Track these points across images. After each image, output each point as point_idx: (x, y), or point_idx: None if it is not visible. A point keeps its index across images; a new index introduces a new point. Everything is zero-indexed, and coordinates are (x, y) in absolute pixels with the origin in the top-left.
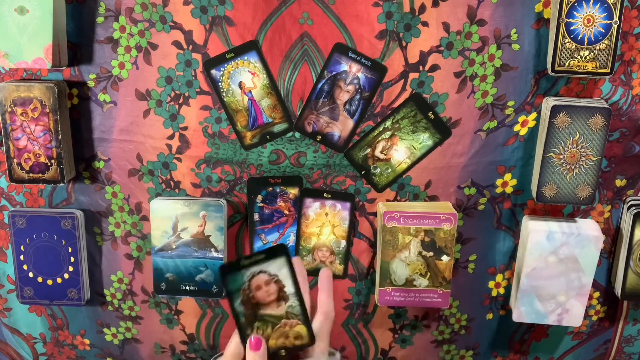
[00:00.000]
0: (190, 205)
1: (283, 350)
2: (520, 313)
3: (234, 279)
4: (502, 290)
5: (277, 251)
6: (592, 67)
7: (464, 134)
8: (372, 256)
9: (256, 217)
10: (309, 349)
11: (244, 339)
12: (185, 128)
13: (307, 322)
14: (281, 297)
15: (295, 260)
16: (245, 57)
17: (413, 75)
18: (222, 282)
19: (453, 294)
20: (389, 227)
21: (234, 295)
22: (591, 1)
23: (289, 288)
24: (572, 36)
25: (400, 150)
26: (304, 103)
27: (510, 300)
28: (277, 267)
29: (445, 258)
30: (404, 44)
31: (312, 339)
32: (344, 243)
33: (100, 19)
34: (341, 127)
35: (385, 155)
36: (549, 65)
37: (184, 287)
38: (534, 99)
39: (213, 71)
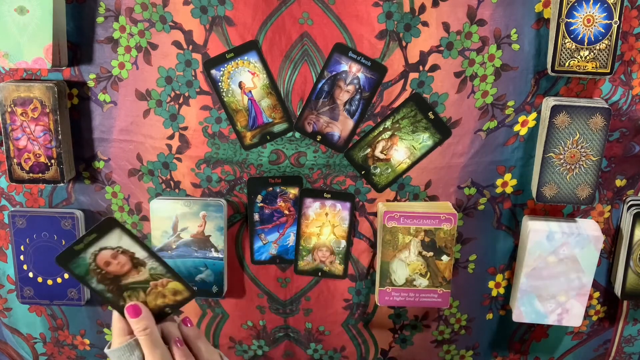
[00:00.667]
0: (190, 205)
1: (168, 308)
2: (520, 313)
3: (77, 265)
4: (502, 290)
5: (107, 226)
6: (592, 67)
7: (464, 134)
8: (372, 256)
9: (256, 217)
10: None
11: (121, 312)
12: (185, 128)
13: (177, 277)
14: (136, 263)
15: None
16: (245, 57)
17: (413, 75)
18: (67, 271)
19: (453, 294)
20: (389, 227)
21: (86, 279)
22: (591, 1)
23: (140, 253)
24: (572, 36)
25: (400, 150)
26: (304, 103)
27: (510, 300)
28: (116, 239)
29: (445, 258)
30: (404, 44)
31: (191, 291)
32: (344, 243)
33: (100, 19)
34: (341, 127)
35: (385, 155)
36: (549, 65)
37: None
38: (534, 99)
39: (213, 71)
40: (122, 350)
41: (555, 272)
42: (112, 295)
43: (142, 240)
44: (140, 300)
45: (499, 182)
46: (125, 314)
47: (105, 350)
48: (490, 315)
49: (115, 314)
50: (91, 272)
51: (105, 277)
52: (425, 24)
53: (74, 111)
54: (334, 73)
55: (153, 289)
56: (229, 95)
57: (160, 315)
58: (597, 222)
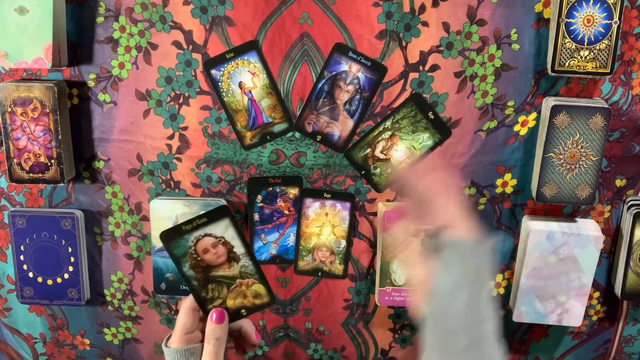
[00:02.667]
0: (190, 205)
1: (244, 310)
2: (520, 313)
3: (178, 245)
4: (502, 290)
5: (220, 213)
6: (592, 67)
7: (464, 134)
8: (372, 256)
9: (256, 217)
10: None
11: (200, 303)
12: (185, 128)
13: (264, 280)
14: (232, 257)
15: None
16: (245, 57)
17: (413, 75)
18: (166, 248)
19: None
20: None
21: (181, 261)
22: (591, 1)
23: (239, 248)
24: (572, 36)
25: (400, 150)
26: (304, 103)
27: (510, 300)
28: (222, 229)
29: None
30: (404, 44)
31: (271, 297)
32: (344, 243)
33: (100, 19)
34: (341, 127)
35: (385, 155)
36: (549, 65)
37: (184, 287)
38: (534, 99)
39: (213, 71)
40: (180, 353)
41: (555, 272)
42: (198, 284)
43: (244, 237)
44: (222, 295)
45: (499, 182)
46: (210, 316)
47: (163, 346)
48: None
49: (187, 306)
50: (188, 255)
51: (198, 264)
52: (425, 24)
53: (74, 111)
54: (334, 73)
55: (237, 287)
56: (229, 95)
57: (235, 314)
58: (597, 222)
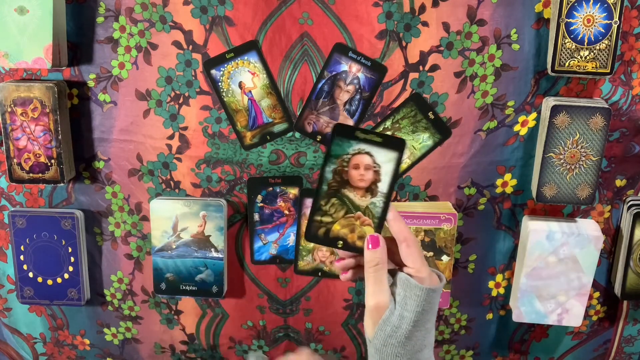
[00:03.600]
0: (190, 205)
1: (341, 242)
2: (520, 313)
3: (340, 144)
4: (502, 290)
5: (395, 144)
6: (592, 67)
7: (464, 134)
8: None
9: (256, 217)
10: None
11: (313, 207)
12: (185, 128)
13: (381, 227)
14: (371, 189)
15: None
16: (245, 57)
17: (413, 75)
18: (330, 139)
19: (453, 294)
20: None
21: (329, 160)
22: (591, 1)
23: (383, 186)
24: (572, 36)
25: None
26: (304, 103)
27: (510, 300)
28: (386, 158)
29: (445, 258)
30: (404, 44)
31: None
32: None
33: (100, 19)
34: None
35: None
36: (549, 65)
37: (184, 287)
38: (534, 99)
39: (213, 71)
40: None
41: (555, 272)
42: (327, 190)
43: (397, 181)
44: (335, 216)
45: (499, 182)
46: (365, 241)
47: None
48: (490, 315)
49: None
50: (340, 158)
51: (340, 173)
52: (425, 24)
53: (74, 111)
54: (334, 73)
55: (353, 218)
56: (229, 95)
57: (331, 240)
58: (597, 222)
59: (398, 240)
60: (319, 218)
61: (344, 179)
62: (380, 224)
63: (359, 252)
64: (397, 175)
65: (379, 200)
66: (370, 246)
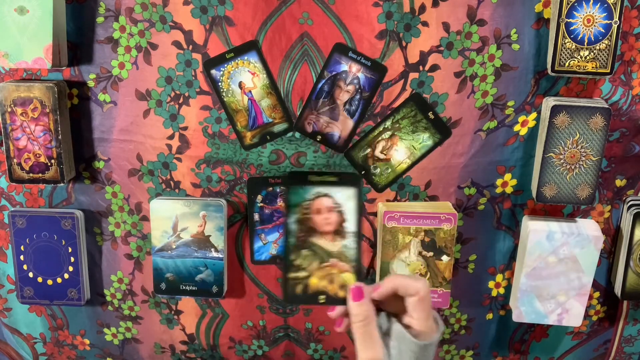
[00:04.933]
0: (190, 205)
1: (323, 297)
2: (520, 313)
3: (297, 192)
4: (502, 290)
5: (352, 180)
6: (592, 67)
7: (464, 134)
8: (372, 256)
9: (256, 217)
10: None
11: (285, 265)
12: (185, 128)
13: (360, 271)
14: (339, 231)
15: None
16: (245, 57)
17: (413, 75)
18: (285, 191)
19: (453, 294)
20: (389, 227)
21: (291, 210)
22: (591, 1)
23: (350, 225)
24: (572, 36)
25: (400, 150)
26: (304, 103)
27: (510, 300)
28: (345, 197)
29: (445, 258)
30: (404, 44)
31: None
32: None
33: (100, 19)
34: (341, 127)
35: (385, 155)
36: (549, 65)
37: (184, 287)
38: (534, 99)
39: (213, 71)
40: None
41: (555, 272)
42: (295, 242)
43: (363, 217)
44: (309, 269)
45: (499, 182)
46: (348, 293)
47: None
48: (490, 315)
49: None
50: (301, 207)
51: (305, 222)
52: (425, 24)
53: (74, 111)
54: (334, 73)
55: (329, 267)
56: (229, 95)
57: (310, 297)
58: (597, 222)
59: (407, 293)
60: (293, 275)
61: (310, 226)
62: (359, 268)
63: (343, 303)
64: (361, 211)
65: (350, 242)
66: (354, 299)
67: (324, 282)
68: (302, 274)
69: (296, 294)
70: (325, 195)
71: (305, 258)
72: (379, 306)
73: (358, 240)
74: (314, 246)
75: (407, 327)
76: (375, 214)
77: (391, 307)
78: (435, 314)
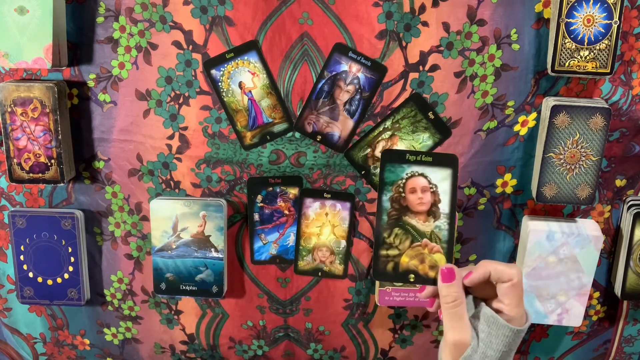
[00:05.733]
0: (190, 205)
1: (412, 276)
2: None
3: (392, 170)
4: None
5: (447, 160)
6: (592, 67)
7: (464, 134)
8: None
9: (256, 217)
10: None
11: (377, 241)
12: (185, 128)
13: (451, 253)
14: (432, 212)
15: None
16: (245, 57)
17: (413, 75)
18: (380, 167)
19: None
20: None
21: (385, 188)
22: (591, 1)
23: (444, 206)
24: (572, 36)
25: None
26: (304, 103)
27: None
28: (441, 177)
29: None
30: (404, 44)
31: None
32: (344, 243)
33: (100, 19)
34: (341, 127)
35: None
36: (549, 65)
37: (184, 287)
38: (534, 99)
39: (213, 71)
40: None
41: (555, 272)
42: (387, 220)
43: (457, 198)
44: (401, 247)
45: (499, 182)
46: (439, 274)
47: None
48: None
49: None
50: (395, 185)
51: (398, 200)
52: (425, 24)
53: (74, 111)
54: (334, 73)
55: (420, 246)
56: (229, 95)
57: (401, 274)
58: (597, 222)
59: (500, 279)
60: (384, 252)
61: (403, 205)
62: (450, 249)
63: (433, 283)
64: (455, 192)
65: (443, 223)
66: (444, 280)
67: (415, 260)
68: (393, 252)
69: (386, 271)
70: (421, 174)
71: (397, 236)
72: (467, 290)
73: (451, 222)
74: (407, 225)
75: (497, 311)
76: (375, 214)
77: (479, 292)
78: (526, 309)
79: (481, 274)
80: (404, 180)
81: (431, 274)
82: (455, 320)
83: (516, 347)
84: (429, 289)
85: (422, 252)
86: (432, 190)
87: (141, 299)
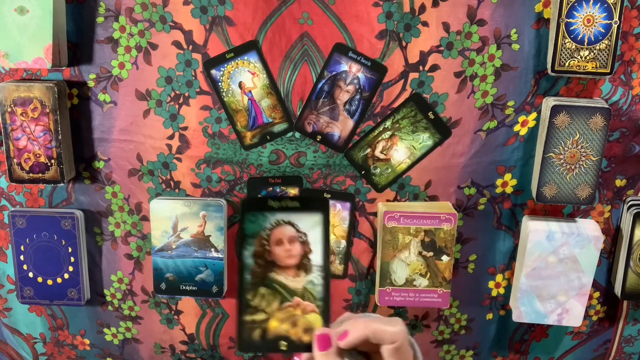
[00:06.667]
0: (190, 205)
1: (284, 343)
2: (520, 313)
3: (254, 220)
4: (502, 290)
5: (317, 205)
6: (592, 67)
7: (464, 134)
8: (372, 256)
9: None
10: None
11: (240, 306)
12: (185, 128)
13: (327, 311)
14: (303, 265)
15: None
16: (245, 57)
17: (413, 75)
18: (240, 218)
19: (453, 294)
20: (389, 227)
21: (246, 242)
22: (591, 1)
23: (317, 258)
24: (572, 36)
25: (400, 150)
26: (304, 103)
27: (510, 300)
28: (310, 224)
29: (445, 258)
30: (404, 44)
31: None
32: (344, 243)
33: (100, 19)
34: (341, 127)
35: (385, 155)
36: (549, 65)
37: (184, 287)
38: (534, 99)
39: (213, 71)
40: None
41: (555, 272)
42: (251, 279)
43: (329, 247)
44: (268, 310)
45: (499, 182)
46: (314, 340)
47: None
48: (490, 315)
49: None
50: (258, 238)
51: (262, 255)
52: (425, 24)
53: (74, 111)
54: (334, 73)
55: (292, 307)
56: (229, 95)
57: (270, 343)
58: (597, 222)
59: (382, 341)
60: (249, 318)
61: (269, 260)
62: (326, 307)
63: (308, 349)
64: (328, 240)
65: (316, 277)
66: (320, 348)
67: (286, 325)
68: (259, 316)
69: (252, 341)
70: (288, 222)
71: (263, 297)
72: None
73: (325, 276)
74: (274, 283)
75: None
76: (375, 214)
77: (362, 347)
78: (416, 349)
79: (357, 338)
80: (267, 232)
81: (305, 338)
82: None
83: None
84: (304, 356)
85: (294, 313)
86: (301, 240)
87: (141, 299)
